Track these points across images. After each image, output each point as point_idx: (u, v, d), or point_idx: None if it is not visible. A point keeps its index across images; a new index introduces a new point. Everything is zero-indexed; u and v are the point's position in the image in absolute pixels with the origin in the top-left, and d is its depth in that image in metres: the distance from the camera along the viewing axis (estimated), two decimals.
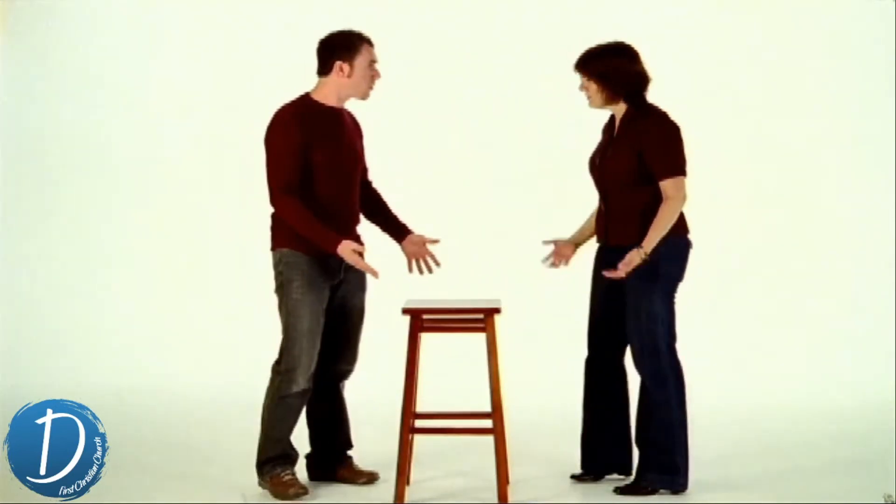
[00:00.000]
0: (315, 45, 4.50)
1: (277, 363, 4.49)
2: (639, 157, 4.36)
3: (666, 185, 4.35)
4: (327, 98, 4.47)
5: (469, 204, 6.71)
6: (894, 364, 6.22)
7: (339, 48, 4.44)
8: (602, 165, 4.49)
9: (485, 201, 6.71)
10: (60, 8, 7.03)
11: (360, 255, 4.38)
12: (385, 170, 6.63)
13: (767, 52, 6.62)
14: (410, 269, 4.61)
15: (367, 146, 6.74)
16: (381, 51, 6.69)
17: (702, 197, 6.26)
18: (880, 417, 5.68)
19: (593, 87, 4.44)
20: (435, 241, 4.60)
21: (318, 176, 4.39)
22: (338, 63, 4.43)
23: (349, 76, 4.44)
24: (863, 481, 4.62)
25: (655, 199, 4.37)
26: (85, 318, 6.91)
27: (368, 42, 4.48)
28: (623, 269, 4.32)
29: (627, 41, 4.51)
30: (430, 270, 4.60)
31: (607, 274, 4.36)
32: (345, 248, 4.32)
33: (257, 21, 6.75)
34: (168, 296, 6.90)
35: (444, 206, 6.61)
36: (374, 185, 4.73)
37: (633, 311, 4.42)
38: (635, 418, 4.55)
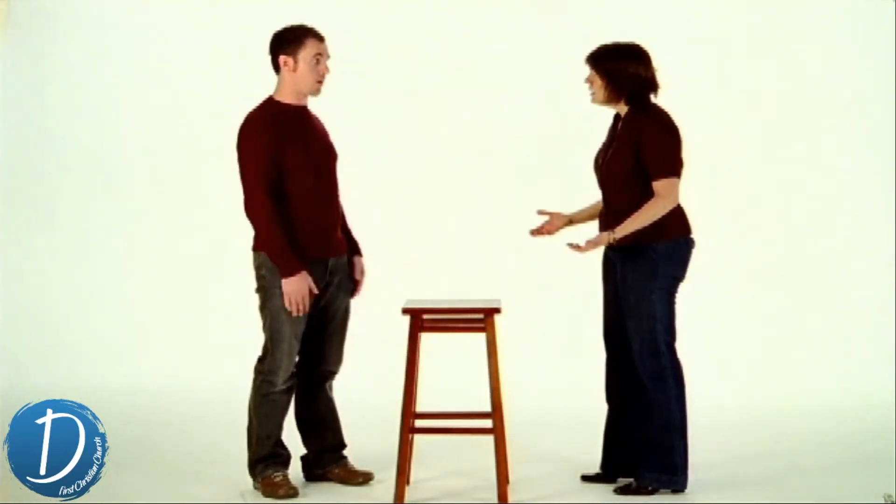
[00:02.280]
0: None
1: (260, 362, 4.52)
2: (637, 155, 4.37)
3: (658, 185, 4.35)
4: (287, 97, 4.46)
5: (470, 204, 6.71)
6: (894, 364, 6.22)
7: (284, 42, 4.43)
8: (603, 164, 4.49)
9: (486, 201, 6.70)
10: (60, 8, 7.03)
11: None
12: (386, 169, 6.68)
13: (767, 53, 6.61)
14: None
15: (367, 145, 6.76)
16: (385, 49, 6.74)
17: (702, 197, 6.28)
18: (880, 417, 5.67)
19: (598, 82, 4.44)
20: (359, 279, 4.68)
21: (294, 176, 4.38)
22: (282, 57, 4.42)
23: (294, 70, 4.42)
24: (863, 481, 4.62)
25: None
26: (85, 318, 6.91)
27: (316, 36, 4.45)
28: (588, 246, 4.35)
29: (624, 41, 4.51)
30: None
31: (571, 246, 4.37)
32: (292, 283, 4.33)
33: (259, 23, 6.73)
34: (168, 296, 6.90)
35: (445, 205, 6.61)
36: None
37: (632, 311, 4.42)
38: (635, 418, 4.54)
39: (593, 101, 4.50)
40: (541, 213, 4.70)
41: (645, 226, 4.34)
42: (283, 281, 4.35)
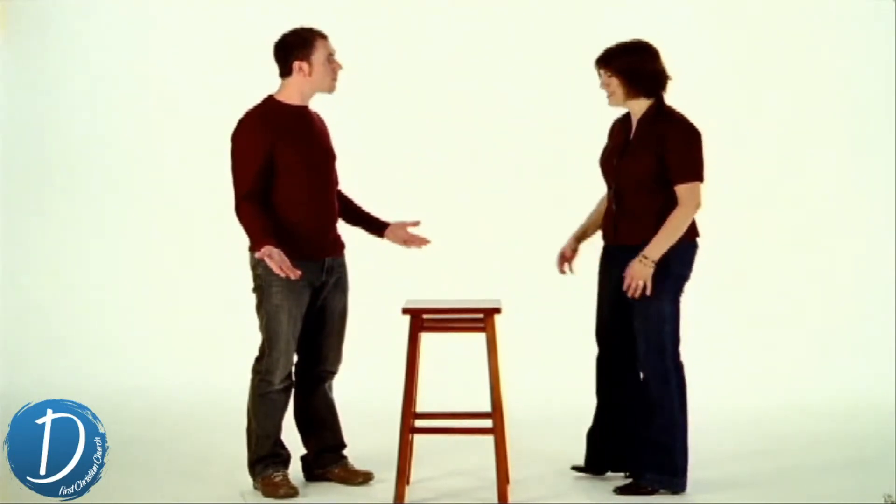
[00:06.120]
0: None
1: (257, 362, 4.52)
2: (658, 159, 4.36)
3: (681, 190, 4.35)
4: (291, 98, 4.46)
5: (469, 204, 6.71)
6: (894, 364, 6.22)
7: (295, 48, 4.42)
8: (619, 166, 4.47)
9: (485, 201, 6.70)
10: (60, 8, 7.03)
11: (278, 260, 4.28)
12: (385, 169, 6.68)
13: (766, 53, 6.62)
14: (409, 247, 4.73)
15: (367, 145, 6.76)
16: (385, 48, 6.74)
17: (703, 197, 6.27)
18: (880, 417, 5.68)
19: (615, 82, 4.43)
20: (415, 224, 4.70)
21: (289, 175, 4.38)
22: (296, 63, 4.41)
23: (310, 74, 4.42)
24: (863, 481, 4.62)
25: (671, 202, 4.38)
26: (85, 318, 6.91)
27: (322, 36, 4.45)
28: (633, 285, 4.32)
29: (629, 40, 4.52)
30: (425, 244, 4.72)
31: (629, 291, 4.36)
32: (262, 252, 4.25)
33: (258, 21, 6.75)
34: (168, 296, 6.90)
35: (445, 206, 6.61)
36: (344, 190, 4.70)
37: (641, 310, 4.41)
38: (636, 417, 4.53)
39: (612, 102, 4.49)
40: (562, 265, 4.71)
41: (673, 237, 4.33)
42: (256, 254, 4.29)
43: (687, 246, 4.43)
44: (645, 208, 4.39)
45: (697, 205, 4.37)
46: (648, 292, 4.32)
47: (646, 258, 4.32)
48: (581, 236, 4.73)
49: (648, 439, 4.45)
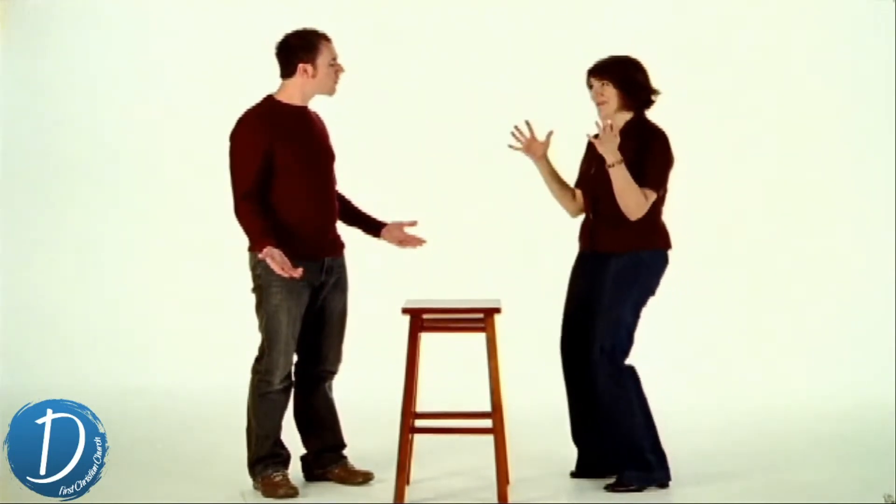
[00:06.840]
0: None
1: (257, 361, 4.53)
2: (635, 168, 4.39)
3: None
4: (291, 98, 4.47)
5: (469, 203, 6.71)
6: (894, 364, 6.22)
7: (300, 49, 4.43)
8: (598, 175, 4.49)
9: (485, 201, 6.70)
10: (60, 8, 7.03)
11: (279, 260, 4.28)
12: (385, 169, 6.68)
13: (765, 52, 6.62)
14: (405, 247, 4.73)
15: (367, 146, 6.75)
16: (385, 48, 6.75)
17: (703, 195, 6.27)
18: (880, 417, 5.68)
19: (611, 92, 4.47)
20: (412, 224, 4.70)
21: (287, 175, 4.38)
22: (301, 65, 4.42)
23: (313, 76, 4.43)
24: (863, 481, 4.62)
25: (648, 211, 4.42)
26: (85, 318, 6.91)
27: (327, 39, 4.47)
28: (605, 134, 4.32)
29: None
30: (420, 244, 4.71)
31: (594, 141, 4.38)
32: (264, 253, 4.26)
33: (259, 23, 6.75)
34: (168, 296, 6.90)
35: (444, 206, 6.61)
36: (341, 190, 4.70)
37: (603, 313, 4.45)
38: (599, 421, 4.55)
39: (605, 111, 4.51)
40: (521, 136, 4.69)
41: (623, 189, 4.33)
42: (259, 255, 4.30)
43: (659, 255, 4.48)
44: (622, 217, 4.42)
45: (643, 210, 4.40)
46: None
47: (618, 157, 4.32)
48: (554, 175, 4.72)
49: (618, 439, 4.48)
